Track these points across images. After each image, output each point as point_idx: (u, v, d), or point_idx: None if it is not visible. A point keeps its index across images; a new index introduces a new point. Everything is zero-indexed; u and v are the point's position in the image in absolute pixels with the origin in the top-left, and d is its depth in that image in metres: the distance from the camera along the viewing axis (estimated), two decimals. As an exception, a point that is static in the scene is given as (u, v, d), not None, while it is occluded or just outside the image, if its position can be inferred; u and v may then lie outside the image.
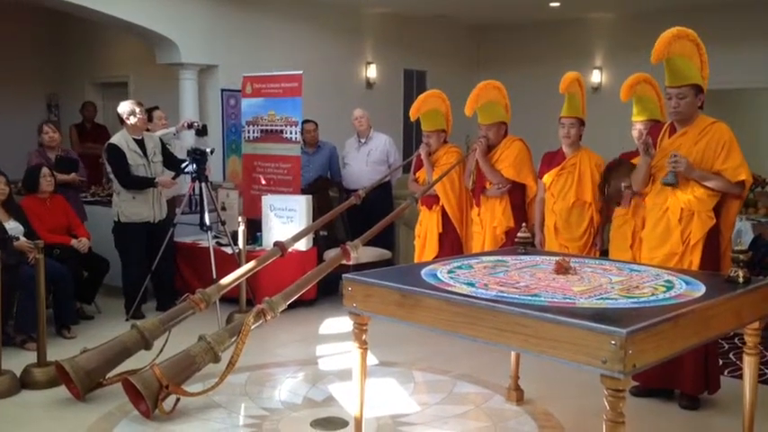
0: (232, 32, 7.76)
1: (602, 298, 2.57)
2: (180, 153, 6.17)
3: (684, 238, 3.69)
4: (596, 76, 9.50)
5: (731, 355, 4.62)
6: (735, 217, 3.88)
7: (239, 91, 6.95)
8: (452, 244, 5.12)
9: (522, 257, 3.38)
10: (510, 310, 2.42)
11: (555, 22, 9.63)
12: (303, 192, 6.29)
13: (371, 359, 4.23)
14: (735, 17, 8.09)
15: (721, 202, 3.72)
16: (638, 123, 4.39)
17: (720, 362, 4.24)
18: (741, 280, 2.83)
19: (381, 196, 6.57)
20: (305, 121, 6.66)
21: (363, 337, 2.99)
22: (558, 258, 3.10)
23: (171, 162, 5.77)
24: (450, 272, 3.00)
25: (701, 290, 2.72)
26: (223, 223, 5.91)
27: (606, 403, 2.24)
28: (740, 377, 3.87)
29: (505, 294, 2.59)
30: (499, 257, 3.39)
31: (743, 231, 5.57)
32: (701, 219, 3.67)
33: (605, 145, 4.92)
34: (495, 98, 4.94)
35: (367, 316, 2.94)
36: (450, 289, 2.69)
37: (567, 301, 2.52)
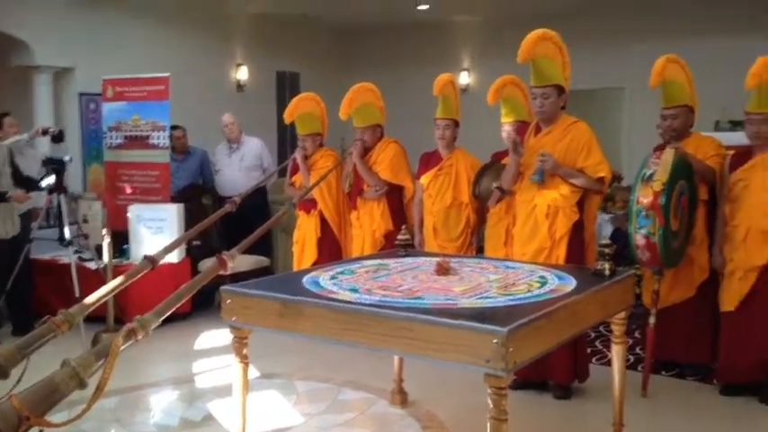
0: (90, 33, 7.30)
1: (482, 297, 2.61)
2: (34, 162, 5.73)
3: (551, 234, 3.84)
4: (464, 78, 9.79)
5: (597, 344, 4.88)
6: (596, 211, 4.10)
7: (99, 95, 6.56)
8: (331, 249, 5.08)
9: (403, 260, 3.39)
10: (394, 315, 2.41)
11: (424, 24, 9.83)
12: (173, 200, 6.02)
13: (251, 372, 4.10)
14: (594, 21, 8.61)
15: (583, 197, 3.90)
16: (506, 124, 4.54)
17: (588, 350, 4.46)
18: (607, 272, 2.97)
19: (257, 202, 6.40)
20: (172, 127, 6.37)
21: (244, 351, 2.88)
22: (438, 259, 3.13)
23: (18, 178, 5.31)
24: (332, 278, 2.95)
25: (572, 284, 2.83)
26: (85, 237, 5.52)
27: (490, 401, 2.27)
28: (607, 364, 4.11)
29: (389, 299, 2.57)
30: (380, 261, 3.38)
31: (603, 225, 5.91)
32: (565, 214, 3.84)
33: (477, 145, 5.05)
34: (370, 100, 4.95)
35: (247, 329, 2.83)
36: (333, 296, 2.63)
37: (449, 302, 2.54)
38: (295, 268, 5.10)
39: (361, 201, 4.94)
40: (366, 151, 4.94)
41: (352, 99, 4.85)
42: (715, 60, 6.97)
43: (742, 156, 4.00)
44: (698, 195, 3.99)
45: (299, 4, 8.69)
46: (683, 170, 3.81)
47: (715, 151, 4.12)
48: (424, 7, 8.88)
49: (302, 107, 5.12)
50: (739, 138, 4.46)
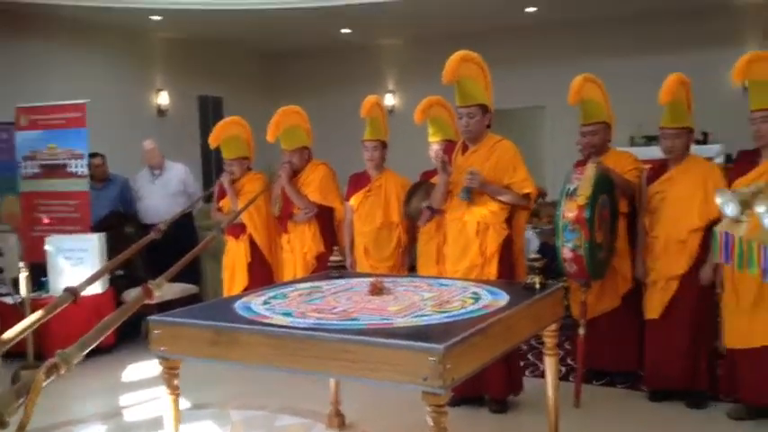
0: (3, 60, 7.00)
1: (417, 315, 2.61)
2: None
3: (482, 250, 3.89)
4: (390, 100, 9.90)
5: (530, 356, 4.96)
6: (524, 226, 4.18)
7: (12, 123, 6.28)
8: (262, 273, 4.99)
9: (337, 281, 3.36)
10: (330, 338, 2.38)
11: (348, 48, 9.91)
12: (94, 229, 5.80)
13: (183, 403, 3.96)
14: (512, 42, 8.87)
15: (511, 213, 3.98)
16: (434, 144, 4.59)
17: (521, 363, 4.52)
18: (538, 286, 3.03)
19: (183, 229, 6.24)
20: (91, 155, 6.16)
21: (174, 381, 2.77)
22: (372, 279, 3.11)
23: None
24: (265, 303, 2.89)
25: (504, 299, 2.87)
26: (1, 270, 5.25)
27: (429, 419, 2.26)
28: (540, 376, 4.17)
29: (324, 321, 2.54)
30: (313, 283, 3.34)
31: (530, 240, 6.04)
32: (495, 230, 3.90)
33: (404, 165, 5.09)
34: (297, 123, 4.93)
35: (178, 359, 2.74)
36: (267, 321, 2.58)
37: (385, 321, 2.53)
38: (225, 294, 4.98)
39: (292, 224, 4.89)
40: (294, 174, 4.90)
41: (279, 122, 4.82)
42: (629, 77, 7.27)
43: (658, 169, 4.17)
44: (618, 208, 4.13)
45: (220, 28, 8.61)
46: (605, 184, 3.94)
47: (632, 165, 4.28)
48: (347, 31, 8.97)
49: (228, 131, 5.04)
50: (654, 152, 4.66)
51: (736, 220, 3.13)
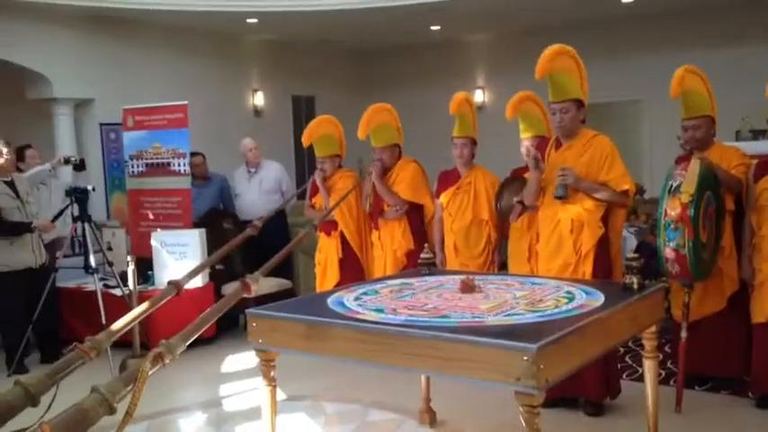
0: (108, 64, 7.43)
1: (509, 314, 2.58)
2: (58, 192, 5.80)
3: (577, 249, 3.80)
4: (479, 96, 9.80)
5: (628, 359, 4.80)
6: (622, 225, 4.04)
7: (120, 124, 6.63)
8: (354, 269, 5.06)
9: (427, 278, 3.36)
10: (422, 334, 2.38)
11: (438, 44, 9.89)
12: (195, 225, 6.05)
13: (279, 394, 4.08)
14: (608, 34, 8.60)
15: (608, 211, 3.86)
16: (525, 140, 4.52)
17: (618, 366, 4.38)
18: (636, 286, 2.93)
19: (277, 225, 6.42)
20: (192, 154, 6.43)
21: (271, 373, 2.86)
22: (462, 277, 3.10)
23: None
24: (356, 299, 2.94)
25: (600, 299, 2.79)
26: (110, 264, 5.55)
27: (522, 420, 2.23)
28: (638, 380, 4.03)
29: (415, 318, 2.55)
30: (404, 280, 3.36)
31: (627, 239, 5.84)
32: (590, 229, 3.79)
33: (493, 162, 5.03)
34: (387, 120, 4.96)
35: (274, 351, 2.82)
36: (359, 317, 2.62)
37: (477, 320, 2.51)
38: (317, 290, 5.09)
39: (382, 221, 4.93)
40: (385, 171, 4.94)
41: (370, 119, 4.86)
42: (733, 70, 6.91)
43: (766, 165, 3.94)
44: (724, 206, 3.93)
45: (312, 29, 8.78)
46: (710, 181, 3.75)
47: (739, 160, 4.06)
48: (436, 27, 8.94)
49: (320, 129, 5.14)
50: (762, 147, 4.40)
51: None
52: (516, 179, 4.38)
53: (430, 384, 3.80)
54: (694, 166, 3.71)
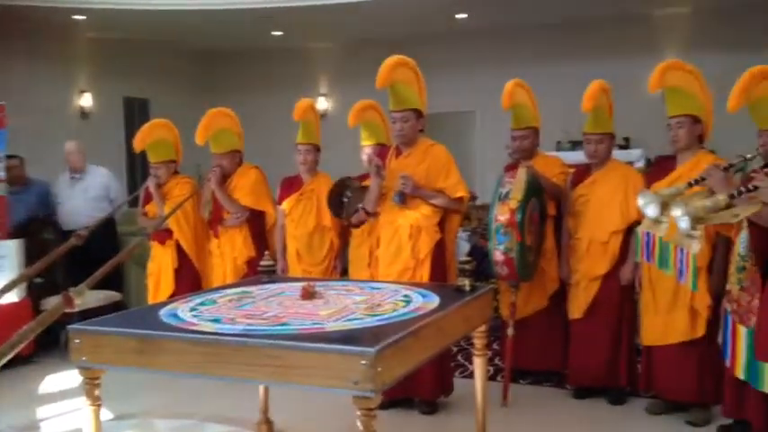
0: None
1: (348, 319, 2.60)
2: None
3: (415, 254, 3.93)
4: (322, 104, 9.85)
5: (459, 357, 5.02)
6: (457, 230, 4.23)
7: None
8: (190, 279, 4.87)
9: (267, 286, 3.31)
10: (260, 343, 2.34)
11: (281, 50, 9.83)
12: (12, 235, 5.55)
13: (105, 414, 3.83)
14: (444, 47, 8.97)
15: (444, 217, 4.03)
16: (366, 147, 4.61)
17: (451, 364, 4.57)
18: (468, 288, 3.07)
19: (105, 235, 6.03)
20: (8, 157, 5.89)
21: (96, 392, 2.67)
22: (303, 284, 3.09)
23: None
24: (192, 309, 2.82)
25: (435, 301, 2.89)
26: None
27: (359, 423, 2.25)
28: (469, 377, 4.23)
29: (254, 327, 2.50)
30: (243, 289, 3.28)
31: (461, 243, 6.11)
32: (428, 234, 3.94)
33: (336, 169, 5.07)
34: (227, 126, 4.85)
35: (99, 369, 2.64)
36: (194, 328, 2.52)
37: (316, 326, 2.51)
38: (150, 302, 4.85)
39: (222, 228, 4.81)
40: (225, 178, 4.82)
41: (209, 124, 4.73)
42: (554, 84, 7.45)
43: (582, 173, 4.30)
44: (547, 211, 4.23)
45: (147, 28, 8.40)
46: (535, 188, 4.03)
47: (560, 169, 4.39)
48: (278, 33, 8.89)
49: (154, 134, 4.92)
50: (579, 157, 4.80)
51: (657, 221, 3.27)
52: (354, 185, 4.44)
53: (268, 394, 3.74)
54: (521, 174, 3.96)
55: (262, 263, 3.58)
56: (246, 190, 4.78)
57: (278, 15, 7.84)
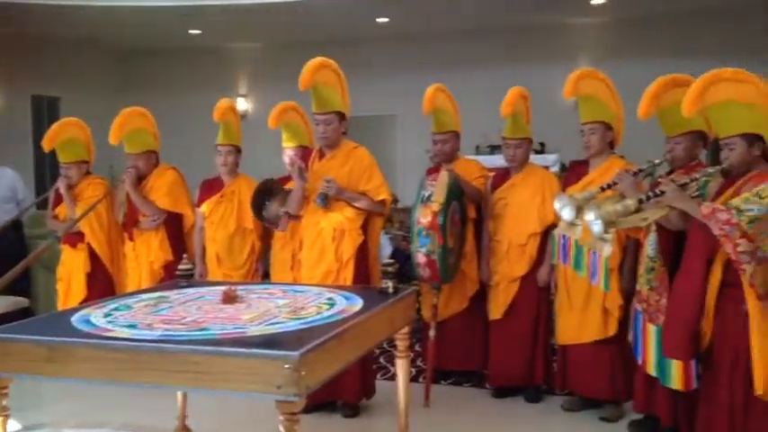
0: None
1: (271, 323, 2.56)
2: None
3: (338, 256, 3.93)
4: (242, 104, 9.70)
5: (382, 359, 5.04)
6: (379, 233, 4.25)
7: None
8: (103, 284, 4.69)
9: (186, 291, 3.22)
10: (179, 349, 2.27)
11: (198, 49, 9.61)
12: None
13: (12, 425, 3.64)
14: (366, 51, 8.99)
15: (367, 219, 4.04)
16: (288, 149, 4.56)
17: (373, 367, 4.58)
18: (391, 290, 3.08)
19: (12, 238, 5.75)
20: None
21: (3, 402, 2.54)
22: (223, 288, 3.03)
23: None
24: (106, 315, 2.72)
25: (359, 304, 2.89)
26: None
27: (282, 428, 2.22)
28: (391, 379, 4.26)
29: (172, 332, 2.43)
30: (161, 293, 3.19)
31: (383, 245, 6.14)
32: (351, 237, 3.94)
33: (257, 170, 5.00)
34: (143, 126, 4.71)
35: (7, 378, 2.51)
36: (108, 334, 2.42)
37: (238, 330, 2.46)
38: (60, 308, 4.64)
39: (137, 231, 4.65)
40: (140, 179, 4.68)
41: (123, 124, 4.59)
42: (474, 89, 7.59)
43: (501, 177, 4.40)
44: (467, 214, 4.30)
45: (57, 23, 8.04)
46: (456, 191, 4.09)
47: (480, 173, 4.48)
48: (196, 32, 8.70)
49: (64, 133, 4.73)
50: (497, 161, 4.92)
51: (572, 224, 3.38)
52: (278, 188, 4.39)
53: (186, 401, 3.64)
54: (443, 177, 4.02)
55: (180, 267, 3.48)
56: (163, 191, 4.65)
57: (196, 14, 7.66)
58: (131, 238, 4.68)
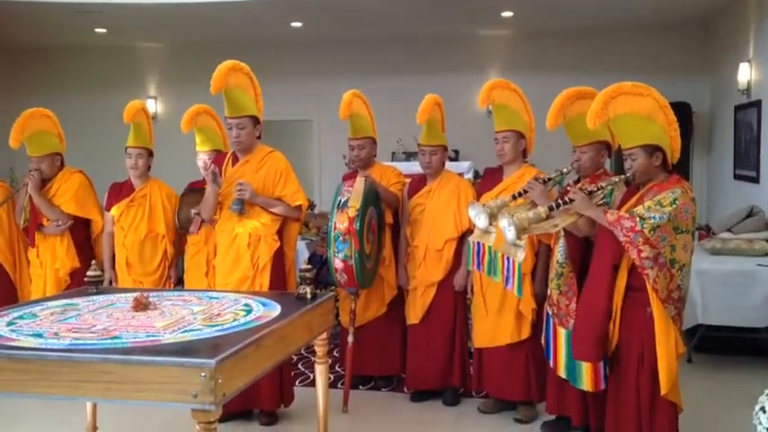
0: None
1: (186, 330, 2.51)
2: None
3: (254, 262, 3.88)
4: (152, 106, 9.41)
5: (300, 366, 5.01)
6: (296, 238, 4.22)
7: None
8: (4, 291, 4.48)
9: (95, 298, 3.11)
10: (89, 358, 2.19)
11: (105, 48, 9.27)
12: None
13: None
14: (280, 55, 8.90)
15: (283, 225, 4.01)
16: (202, 153, 4.47)
17: (292, 373, 4.54)
18: (309, 296, 3.08)
19: None
20: None
21: None
22: (135, 295, 2.93)
23: None
24: (9, 324, 2.58)
25: (277, 310, 2.87)
26: None
27: (199, 437, 2.18)
28: (310, 385, 4.24)
29: (81, 341, 2.34)
30: (68, 301, 3.05)
31: (300, 251, 6.10)
32: (267, 242, 3.90)
33: (169, 174, 4.88)
34: (45, 127, 4.52)
35: None
36: (12, 344, 2.31)
37: (151, 338, 2.39)
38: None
39: (41, 236, 4.45)
40: (44, 182, 4.47)
41: (25, 126, 4.40)
42: (391, 97, 7.66)
43: (417, 183, 4.46)
44: (385, 219, 4.34)
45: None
46: (373, 197, 4.12)
47: (396, 179, 4.53)
48: (101, 30, 8.37)
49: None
50: (413, 167, 4.98)
51: (486, 231, 3.47)
52: (193, 191, 4.30)
53: (97, 411, 3.50)
54: (359, 183, 4.04)
55: (88, 273, 3.35)
56: (69, 196, 4.47)
57: (95, 12, 7.33)
58: (33, 244, 4.48)
